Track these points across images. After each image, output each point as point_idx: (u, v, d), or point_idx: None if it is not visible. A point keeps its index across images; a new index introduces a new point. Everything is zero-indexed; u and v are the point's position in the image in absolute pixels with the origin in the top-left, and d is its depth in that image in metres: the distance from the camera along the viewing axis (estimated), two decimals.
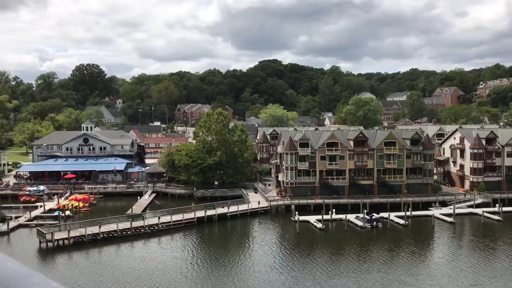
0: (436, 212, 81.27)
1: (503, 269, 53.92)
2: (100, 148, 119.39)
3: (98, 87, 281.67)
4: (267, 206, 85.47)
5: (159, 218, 73.63)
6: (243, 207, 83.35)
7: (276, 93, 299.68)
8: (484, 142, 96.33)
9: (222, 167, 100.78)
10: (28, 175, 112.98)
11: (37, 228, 66.75)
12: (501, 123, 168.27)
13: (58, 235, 64.21)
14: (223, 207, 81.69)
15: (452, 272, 52.75)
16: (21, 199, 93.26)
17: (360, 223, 74.28)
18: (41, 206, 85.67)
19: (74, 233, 65.79)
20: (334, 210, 79.67)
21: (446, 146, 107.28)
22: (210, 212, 79.10)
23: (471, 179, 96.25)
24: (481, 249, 62.67)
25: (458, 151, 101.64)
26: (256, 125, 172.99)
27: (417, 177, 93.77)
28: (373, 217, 74.21)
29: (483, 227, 74.86)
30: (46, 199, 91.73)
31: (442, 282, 49.64)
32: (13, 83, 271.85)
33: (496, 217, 78.40)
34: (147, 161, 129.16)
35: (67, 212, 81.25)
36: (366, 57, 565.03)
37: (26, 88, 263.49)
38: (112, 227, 69.21)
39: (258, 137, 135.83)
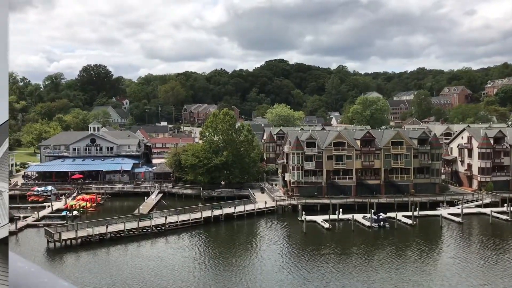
0: (444, 212, 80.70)
1: None
2: (107, 149, 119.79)
3: (105, 88, 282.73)
4: (274, 206, 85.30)
5: (166, 218, 73.72)
6: (249, 207, 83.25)
7: (283, 93, 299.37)
8: (492, 142, 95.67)
9: (229, 167, 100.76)
10: (36, 175, 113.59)
11: (45, 228, 67.08)
12: (510, 122, 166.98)
13: (65, 235, 64.48)
14: (229, 207, 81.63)
15: (462, 272, 52.41)
16: (29, 199, 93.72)
17: (367, 223, 73.96)
18: (48, 206, 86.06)
19: (81, 233, 66.04)
20: (341, 210, 79.39)
21: (454, 145, 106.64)
22: (217, 212, 79.09)
23: (479, 179, 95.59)
24: (490, 248, 62.20)
25: (466, 150, 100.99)
26: (262, 125, 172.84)
27: (424, 176, 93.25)
28: (380, 217, 73.88)
29: (491, 227, 74.28)
30: (54, 199, 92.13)
31: (452, 282, 49.30)
32: (21, 83, 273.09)
33: (504, 216, 77.78)
34: (154, 161, 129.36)
35: (75, 212, 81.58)
36: (373, 56, 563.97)
37: (33, 89, 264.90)
38: (119, 227, 69.40)
39: (264, 137, 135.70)
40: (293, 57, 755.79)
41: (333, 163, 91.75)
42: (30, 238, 69.09)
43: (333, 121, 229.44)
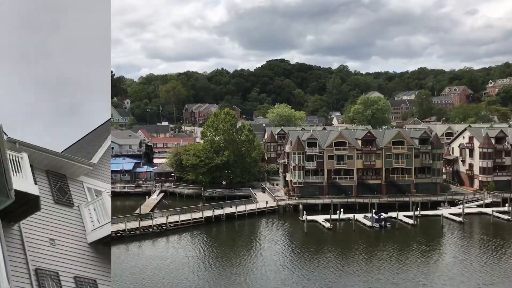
0: (445, 211, 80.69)
1: None
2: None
3: None
4: (275, 206, 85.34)
5: (167, 218, 73.84)
6: (251, 206, 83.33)
7: (284, 92, 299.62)
8: (493, 141, 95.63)
9: (230, 166, 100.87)
10: None
11: None
12: (511, 122, 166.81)
13: None
14: (231, 207, 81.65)
15: (464, 272, 52.34)
16: None
17: (368, 222, 73.97)
18: None
19: None
20: (342, 209, 79.40)
21: (455, 145, 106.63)
22: (218, 212, 79.12)
23: (480, 179, 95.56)
24: (492, 248, 62.18)
25: (467, 150, 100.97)
26: (263, 125, 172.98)
27: (425, 176, 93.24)
28: (382, 216, 73.86)
29: (492, 226, 74.23)
30: None
31: (454, 282, 49.26)
32: None
33: (506, 216, 77.69)
34: (155, 161, 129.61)
35: None
36: (374, 56, 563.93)
37: None
38: (121, 226, 69.50)
39: (265, 137, 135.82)
40: (294, 57, 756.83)
41: (334, 162, 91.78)
42: None
43: (334, 121, 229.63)
